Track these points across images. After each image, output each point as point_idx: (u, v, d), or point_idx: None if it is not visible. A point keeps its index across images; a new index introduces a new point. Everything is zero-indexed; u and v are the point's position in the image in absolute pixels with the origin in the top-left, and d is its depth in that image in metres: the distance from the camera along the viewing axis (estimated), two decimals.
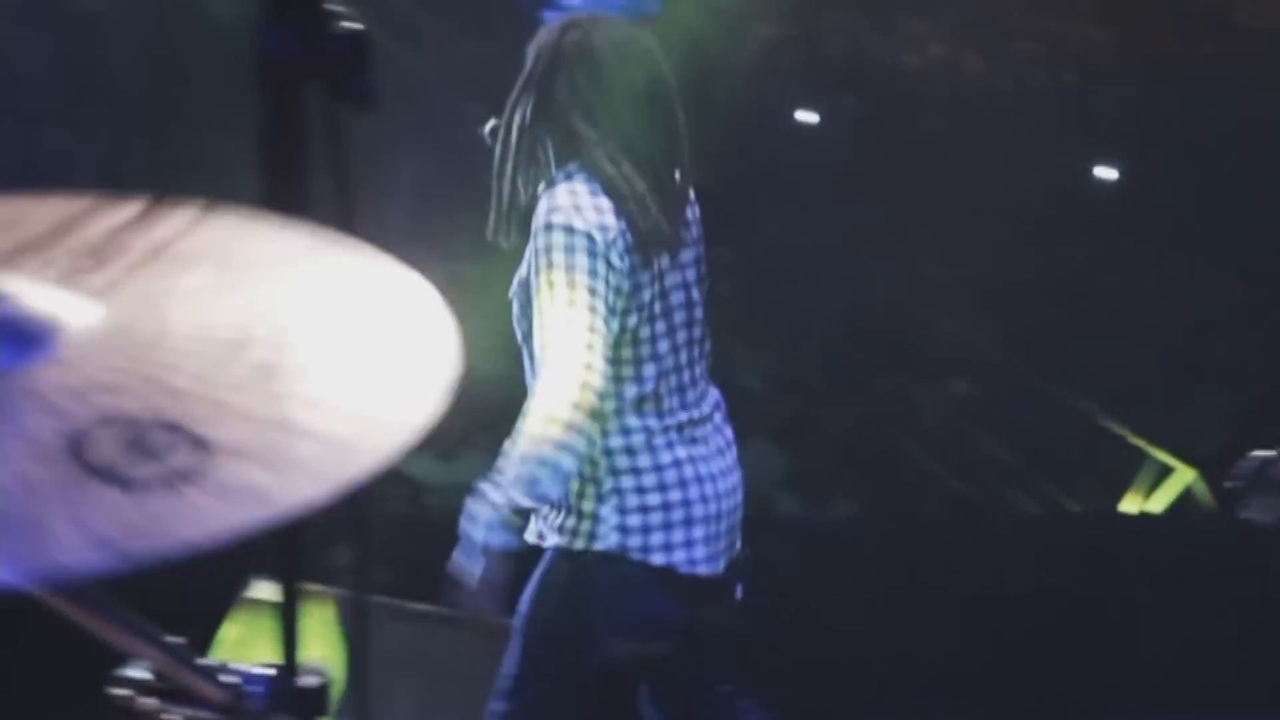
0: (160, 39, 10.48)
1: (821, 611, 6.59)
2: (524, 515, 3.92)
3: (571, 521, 3.98)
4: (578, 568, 3.99)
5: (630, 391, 3.97)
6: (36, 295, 1.60)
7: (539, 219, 3.87)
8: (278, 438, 1.46)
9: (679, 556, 3.99)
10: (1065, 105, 10.64)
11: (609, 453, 3.97)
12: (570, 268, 3.78)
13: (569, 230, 3.81)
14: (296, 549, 1.80)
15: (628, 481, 3.97)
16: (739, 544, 4.15)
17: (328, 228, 1.83)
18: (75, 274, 1.66)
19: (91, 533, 1.34)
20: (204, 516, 1.38)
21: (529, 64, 4.02)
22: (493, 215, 4.03)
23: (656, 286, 3.96)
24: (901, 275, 9.53)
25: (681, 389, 4.03)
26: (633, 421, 3.98)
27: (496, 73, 4.25)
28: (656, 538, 3.97)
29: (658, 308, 3.97)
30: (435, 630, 4.63)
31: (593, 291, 3.78)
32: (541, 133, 3.97)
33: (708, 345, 4.14)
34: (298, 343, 1.60)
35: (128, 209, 1.79)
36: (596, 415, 3.78)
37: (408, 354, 1.60)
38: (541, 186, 3.96)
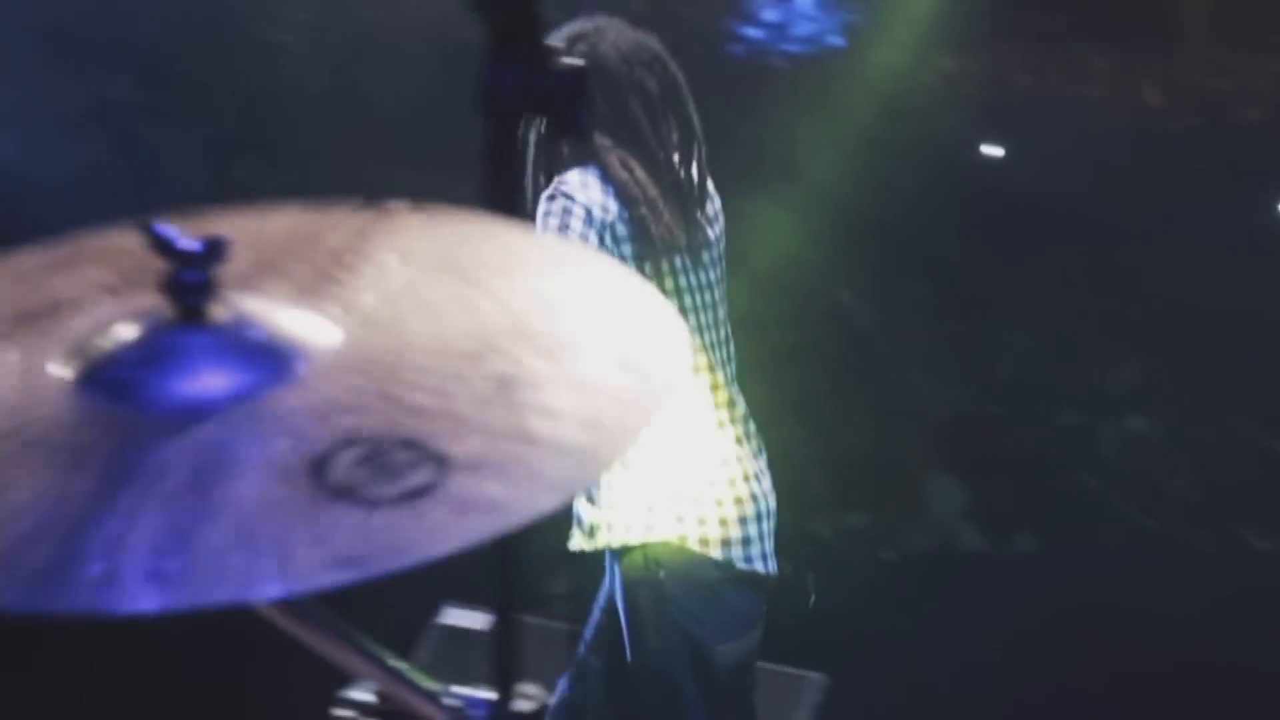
0: (349, 69, 10.61)
1: (1003, 646, 6.55)
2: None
3: (617, 517, 4.03)
4: (625, 560, 4.05)
5: None
6: (278, 316, 1.64)
7: (545, 194, 3.92)
8: (515, 449, 1.49)
9: (736, 553, 4.06)
10: (1249, 141, 10.52)
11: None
12: (564, 228, 3.85)
13: (569, 198, 3.87)
14: (513, 576, 1.82)
15: (673, 477, 4.03)
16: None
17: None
18: (313, 289, 1.70)
19: (332, 552, 1.37)
20: (441, 531, 1.40)
21: None
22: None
23: (669, 284, 3.98)
24: (1084, 308, 9.45)
25: (714, 388, 4.06)
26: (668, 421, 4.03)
27: None
28: (714, 531, 4.03)
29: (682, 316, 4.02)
30: None
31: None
32: (556, 144, 4.02)
33: (729, 350, 4.16)
34: (533, 352, 1.63)
35: (359, 217, 1.84)
36: None
37: (636, 359, 1.63)
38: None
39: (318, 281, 1.71)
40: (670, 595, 4.01)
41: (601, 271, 1.80)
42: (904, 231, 9.42)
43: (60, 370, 1.58)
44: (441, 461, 1.47)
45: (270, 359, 1.58)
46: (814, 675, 5.35)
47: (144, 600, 1.33)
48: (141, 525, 1.39)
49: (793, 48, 11.17)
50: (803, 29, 11.64)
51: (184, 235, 1.56)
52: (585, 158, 3.97)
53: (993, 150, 10.65)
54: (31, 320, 1.66)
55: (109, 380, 1.56)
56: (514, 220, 1.85)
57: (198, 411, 1.52)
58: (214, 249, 1.56)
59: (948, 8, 10.51)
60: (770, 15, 11.86)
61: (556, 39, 4.04)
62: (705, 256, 4.06)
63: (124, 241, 1.74)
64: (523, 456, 1.49)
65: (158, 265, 1.59)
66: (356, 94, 10.67)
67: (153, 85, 11.22)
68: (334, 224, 1.82)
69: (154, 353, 1.57)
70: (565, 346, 1.64)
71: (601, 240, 3.85)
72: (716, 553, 4.03)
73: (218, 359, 1.57)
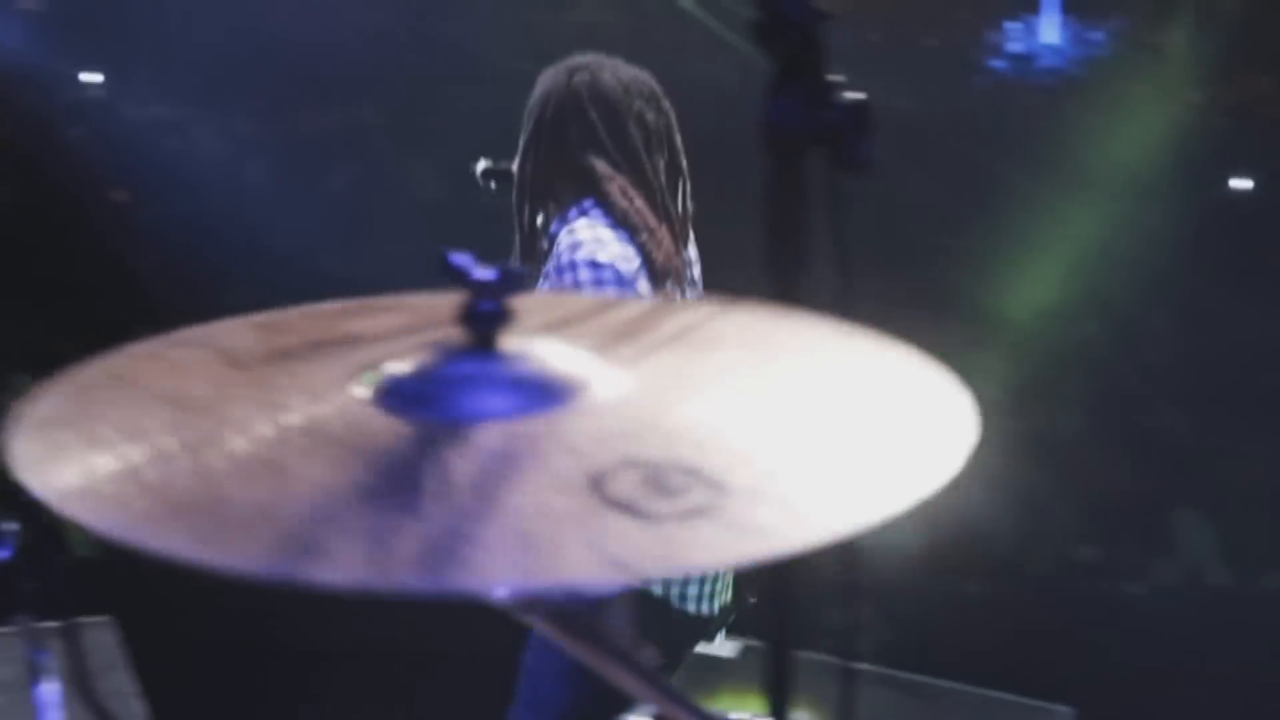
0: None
1: (1255, 683, 6.45)
2: None
3: None
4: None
5: None
6: (566, 354, 1.72)
7: (563, 256, 3.88)
8: (790, 486, 1.55)
9: (674, 591, 4.06)
10: None
11: None
12: None
13: (594, 265, 3.84)
14: (790, 610, 1.85)
15: None
16: (738, 592, 4.18)
17: (827, 289, 1.91)
18: (606, 347, 1.78)
19: (606, 555, 1.43)
20: (712, 546, 1.46)
21: (538, 108, 4.06)
22: (518, 250, 4.06)
23: None
24: None
25: None
26: None
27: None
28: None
29: None
30: (917, 699, 4.66)
31: None
32: (557, 172, 4.02)
33: None
34: (816, 413, 1.68)
35: (650, 304, 1.91)
36: None
37: (916, 425, 1.68)
38: (556, 223, 3.98)
39: (612, 341, 1.79)
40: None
41: (888, 357, 1.84)
42: (1151, 265, 9.33)
43: (358, 388, 1.65)
44: (718, 487, 1.52)
45: (555, 388, 1.64)
46: (1062, 709, 5.31)
47: (415, 582, 1.39)
48: (420, 518, 1.45)
49: (1038, 80, 11.11)
50: (1048, 61, 11.56)
51: (479, 266, 1.62)
52: (585, 189, 3.98)
53: (1241, 183, 10.51)
54: (329, 348, 1.74)
55: (403, 396, 1.63)
56: (792, 253, 1.88)
57: (483, 426, 1.59)
58: (508, 279, 1.62)
59: (1195, 39, 10.39)
60: (1015, 47, 11.79)
61: (551, 73, 4.09)
62: (689, 288, 4.06)
63: (418, 299, 1.83)
64: (796, 492, 1.54)
65: (450, 314, 1.66)
66: None
67: (399, 112, 11.41)
68: (631, 306, 1.90)
69: (446, 374, 1.64)
70: (845, 410, 1.70)
71: (636, 294, 3.86)
72: (656, 589, 4.06)
73: (505, 383, 1.63)
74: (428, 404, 1.60)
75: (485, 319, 1.63)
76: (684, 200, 4.09)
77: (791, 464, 1.59)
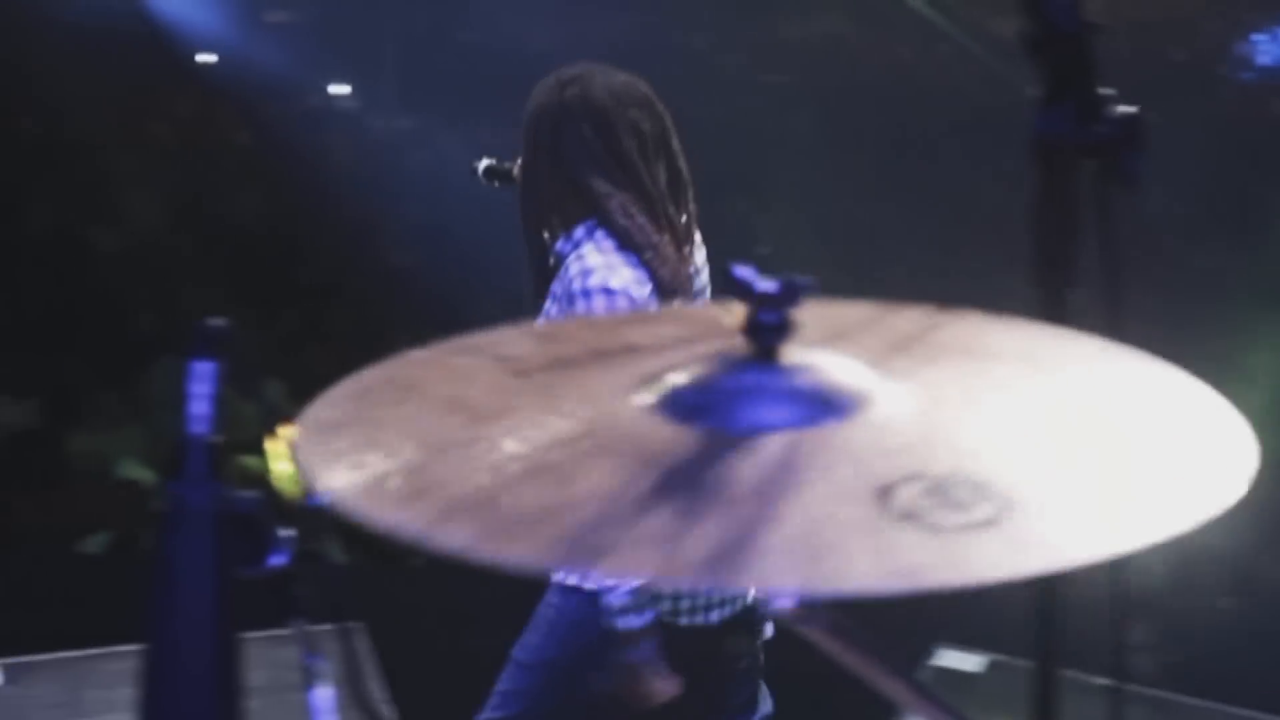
0: (841, 112, 10.69)
1: None
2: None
3: None
4: (567, 600, 4.04)
5: None
6: (846, 366, 1.71)
7: (574, 283, 3.84)
8: (1074, 502, 1.53)
9: (665, 606, 4.01)
10: None
11: None
12: None
13: (608, 292, 3.80)
14: (1055, 628, 1.83)
15: None
16: (737, 600, 4.13)
17: (1095, 302, 1.88)
18: (883, 358, 1.76)
19: (890, 564, 1.42)
20: (997, 560, 1.44)
21: (533, 126, 4.01)
22: (532, 278, 4.04)
23: None
24: None
25: None
26: None
27: None
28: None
29: None
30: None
31: None
32: (557, 191, 3.96)
33: None
34: (1094, 429, 1.66)
35: (921, 313, 1.89)
36: None
37: (1194, 446, 1.65)
38: (561, 242, 3.93)
39: (886, 353, 1.77)
40: (585, 625, 4.01)
41: (1167, 375, 1.81)
42: None
43: (638, 397, 1.66)
44: (1005, 502, 1.51)
45: (836, 401, 1.64)
46: None
47: (695, 581, 1.40)
48: (700, 522, 1.45)
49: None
50: None
51: (761, 278, 1.62)
52: (587, 209, 3.93)
53: None
54: (609, 357, 1.75)
55: (684, 405, 1.63)
56: (1061, 265, 1.86)
57: (766, 436, 1.58)
58: (790, 291, 1.62)
59: None
60: (1264, 59, 11.59)
61: (541, 86, 4.04)
62: (691, 295, 4.02)
63: (696, 309, 1.83)
64: (1081, 509, 1.53)
65: (729, 327, 1.66)
66: (838, 136, 10.74)
67: None
68: (903, 317, 1.88)
69: (728, 384, 1.64)
70: (1130, 432, 1.67)
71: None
72: (648, 613, 4.01)
73: (788, 395, 1.63)
74: (709, 414, 1.60)
75: (768, 330, 1.63)
76: (686, 204, 4.06)
77: (1074, 480, 1.57)
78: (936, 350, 1.81)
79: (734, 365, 1.64)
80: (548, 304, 3.92)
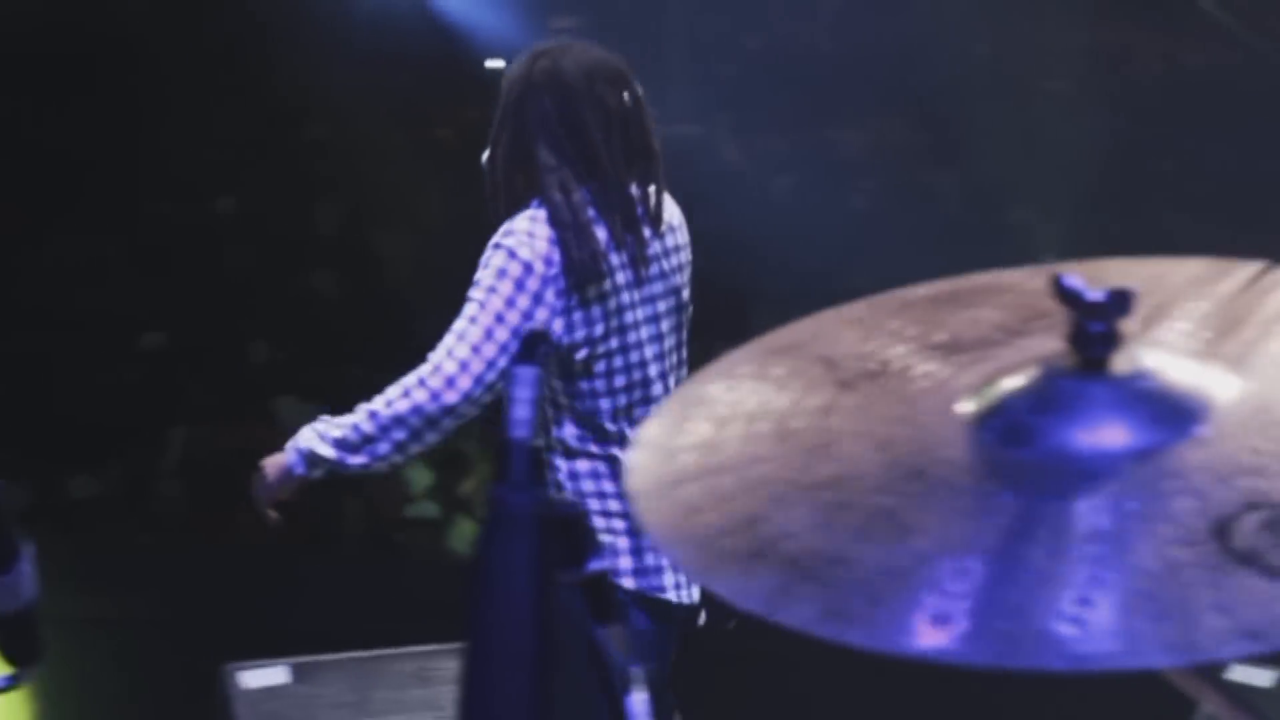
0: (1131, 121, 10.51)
1: None
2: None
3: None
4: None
5: (591, 418, 3.97)
6: (1176, 369, 1.61)
7: (491, 241, 3.92)
8: None
9: (651, 582, 3.97)
10: None
11: (575, 476, 3.98)
12: (492, 290, 3.85)
13: (511, 255, 3.87)
14: None
15: (595, 504, 3.96)
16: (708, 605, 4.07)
17: None
18: (1203, 342, 1.67)
19: (1237, 622, 1.34)
20: None
21: (503, 97, 4.04)
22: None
23: (614, 322, 3.95)
24: None
25: (628, 409, 4.01)
26: (595, 448, 3.97)
27: None
28: (625, 562, 3.94)
29: (614, 343, 3.96)
30: None
31: (499, 319, 3.83)
32: (514, 163, 4.01)
33: (676, 378, 4.11)
34: None
35: (1240, 275, 1.79)
36: (435, 426, 3.87)
37: None
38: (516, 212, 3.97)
39: (1212, 336, 1.69)
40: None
41: None
42: None
43: (963, 407, 1.62)
44: None
45: (1170, 414, 1.57)
46: None
47: (1001, 660, 1.34)
48: (1058, 580, 1.40)
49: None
50: None
51: (1090, 286, 1.58)
52: (534, 180, 3.96)
53: None
54: (929, 355, 1.71)
55: (1006, 424, 1.58)
56: None
57: (1098, 464, 1.53)
58: (1119, 300, 1.57)
59: None
60: None
61: (517, 61, 4.07)
62: (653, 289, 4.04)
63: (1013, 282, 1.78)
64: None
65: (1050, 308, 1.61)
66: (1121, 142, 10.55)
67: (928, 129, 11.38)
68: (1232, 281, 1.78)
69: (1054, 401, 1.58)
70: None
71: (538, 297, 3.85)
72: (629, 583, 3.97)
73: (1118, 412, 1.56)
74: (1033, 437, 1.55)
75: (1095, 341, 1.58)
76: (655, 182, 4.06)
77: None
78: (1266, 321, 1.70)
79: (1061, 381, 1.58)
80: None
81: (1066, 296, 1.58)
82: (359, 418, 3.94)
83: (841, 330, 1.79)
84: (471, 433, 9.65)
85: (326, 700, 4.70)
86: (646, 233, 4.05)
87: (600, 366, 3.98)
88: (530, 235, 3.93)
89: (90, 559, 7.68)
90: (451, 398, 3.90)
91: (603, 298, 3.96)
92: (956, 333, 1.74)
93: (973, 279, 1.87)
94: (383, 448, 3.95)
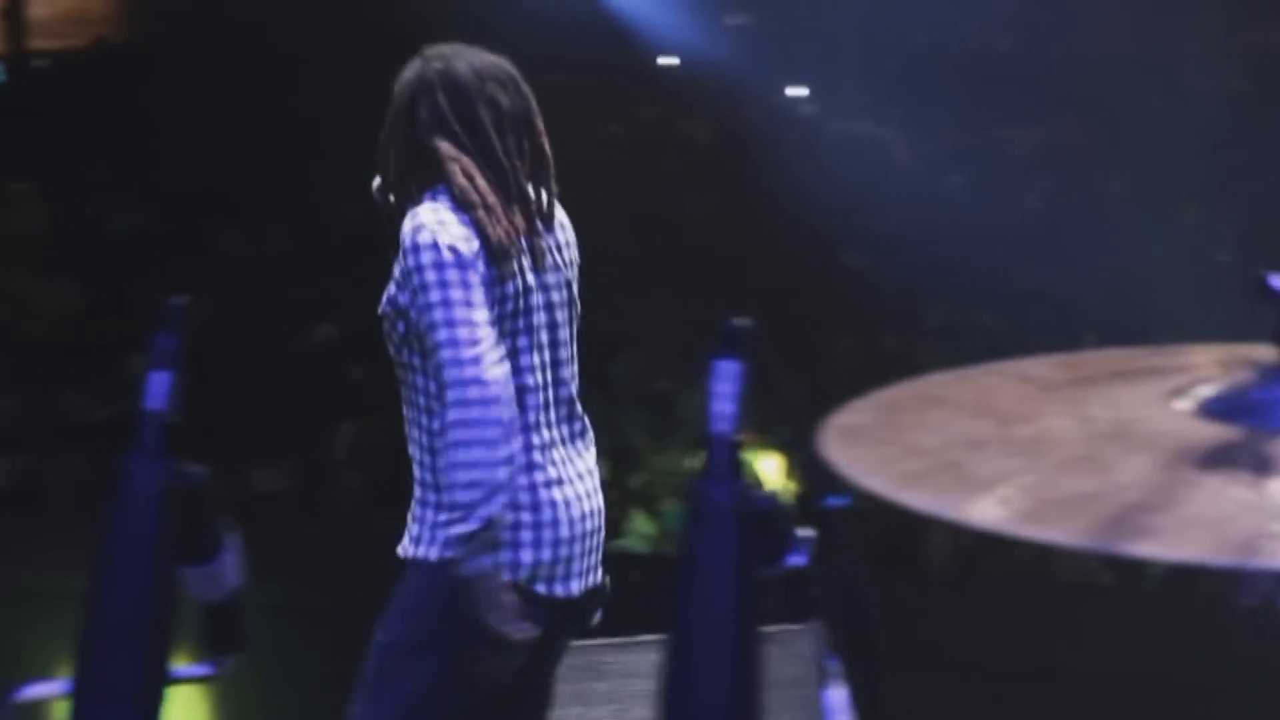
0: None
1: None
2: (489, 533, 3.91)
3: (425, 532, 3.97)
4: (427, 576, 3.94)
5: None
6: None
7: (406, 239, 3.89)
8: None
9: (527, 575, 3.92)
10: None
11: None
12: (443, 286, 3.85)
13: (435, 247, 3.86)
14: None
15: None
16: (599, 571, 4.03)
17: None
18: None
19: None
20: None
21: (395, 98, 4.06)
22: (390, 251, 4.02)
23: (520, 303, 3.97)
24: None
25: (545, 407, 4.03)
26: None
27: None
28: (505, 555, 3.90)
29: (520, 323, 3.98)
30: None
31: (468, 304, 3.86)
32: (409, 157, 4.00)
33: (572, 369, 4.08)
34: None
35: None
36: (508, 428, 3.85)
37: None
38: (410, 207, 3.95)
39: None
40: (440, 592, 3.92)
41: None
42: None
43: (1170, 403, 1.66)
44: None
45: None
46: None
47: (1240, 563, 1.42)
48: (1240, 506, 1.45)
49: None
50: None
51: None
52: (435, 175, 3.96)
53: None
54: (1132, 376, 1.76)
55: (1226, 407, 1.63)
56: None
57: None
58: None
59: None
60: None
61: (412, 62, 4.08)
62: (548, 279, 4.03)
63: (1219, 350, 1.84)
64: None
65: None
66: None
67: (1101, 128, 11.30)
68: None
69: (1265, 390, 1.63)
70: None
71: (476, 271, 3.87)
72: (507, 575, 3.90)
73: None
74: (1247, 414, 1.60)
75: None
76: (547, 183, 4.05)
77: None
78: None
79: (1269, 373, 1.63)
80: (395, 268, 4.00)
81: (1272, 296, 1.60)
82: (463, 504, 3.98)
83: (1043, 364, 1.86)
84: (644, 426, 9.72)
85: None
86: (541, 227, 4.09)
87: (506, 346, 4.00)
88: (440, 223, 3.94)
89: (272, 548, 7.80)
90: (493, 405, 3.96)
91: (512, 278, 4.00)
92: (1162, 365, 1.81)
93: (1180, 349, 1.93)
94: (496, 497, 3.98)
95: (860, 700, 2.01)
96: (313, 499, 9.56)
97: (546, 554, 4.00)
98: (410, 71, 4.09)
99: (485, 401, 3.88)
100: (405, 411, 4.03)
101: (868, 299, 10.09)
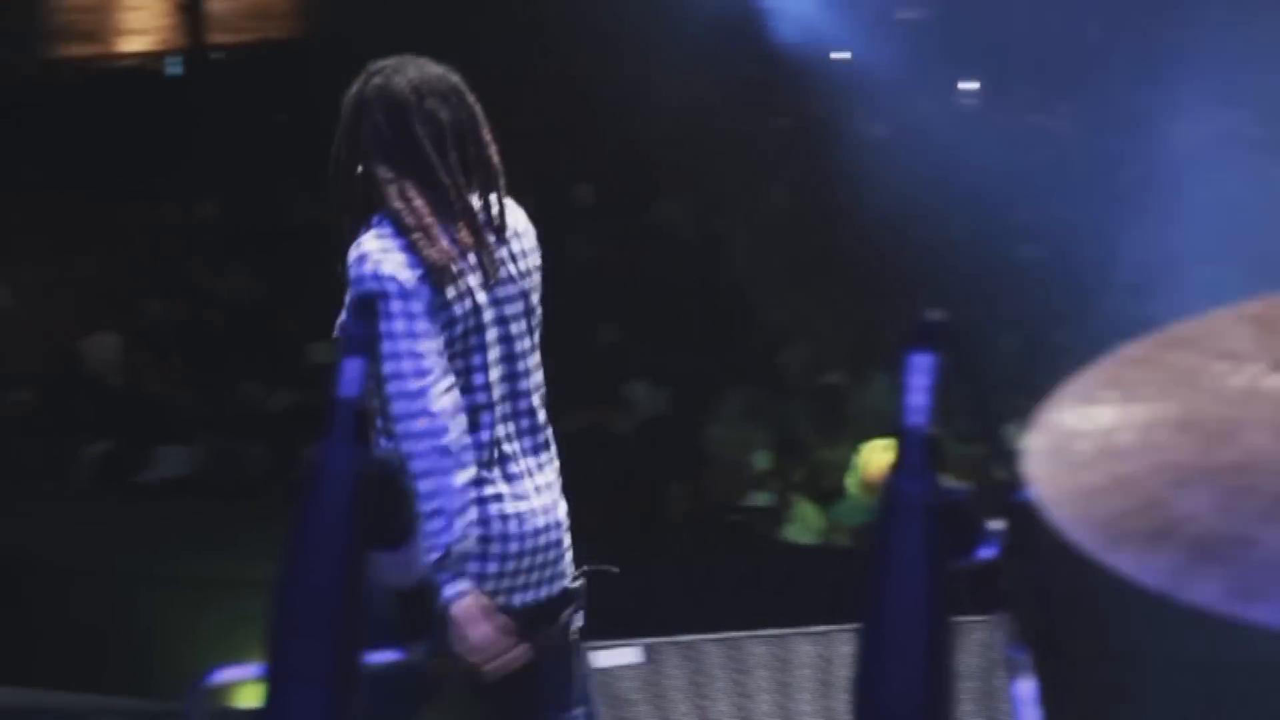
0: None
1: None
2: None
3: None
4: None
5: None
6: None
7: (352, 270, 3.94)
8: None
9: (484, 587, 4.01)
10: None
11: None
12: (388, 316, 3.89)
13: (377, 278, 3.91)
14: None
15: None
16: (564, 577, 4.13)
17: None
18: None
19: None
20: None
21: (341, 116, 4.09)
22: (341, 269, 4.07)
23: (471, 322, 3.99)
24: None
25: (502, 420, 4.06)
26: None
27: None
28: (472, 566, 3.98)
29: (473, 341, 4.00)
30: None
31: (412, 336, 3.90)
32: (352, 181, 4.04)
33: (533, 380, 4.12)
34: None
35: None
36: (458, 459, 3.91)
37: None
38: (361, 230, 4.01)
39: None
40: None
41: None
42: None
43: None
44: None
45: None
46: None
47: None
48: None
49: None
50: None
51: None
52: (375, 195, 4.00)
53: None
54: None
55: None
56: None
57: None
58: None
59: None
60: None
61: (359, 77, 4.10)
62: (502, 292, 4.06)
63: None
64: None
65: None
66: None
67: (1276, 121, 11.17)
68: None
69: None
70: None
71: (420, 299, 3.92)
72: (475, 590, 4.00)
73: None
74: None
75: None
76: (495, 192, 4.10)
77: None
78: None
79: None
80: (347, 297, 4.05)
81: None
82: (428, 534, 3.99)
83: (1236, 326, 1.81)
84: (809, 418, 9.71)
85: (676, 681, 4.77)
86: (491, 239, 4.11)
87: (458, 366, 4.03)
88: (384, 251, 3.99)
89: None
90: (442, 435, 3.97)
91: (460, 299, 4.02)
92: None
93: None
94: (456, 523, 4.00)
95: (1047, 694, 2.01)
96: None
97: (493, 567, 4.06)
98: (354, 87, 4.14)
99: (434, 433, 3.93)
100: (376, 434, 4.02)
101: (1039, 289, 10.04)
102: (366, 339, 2.76)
